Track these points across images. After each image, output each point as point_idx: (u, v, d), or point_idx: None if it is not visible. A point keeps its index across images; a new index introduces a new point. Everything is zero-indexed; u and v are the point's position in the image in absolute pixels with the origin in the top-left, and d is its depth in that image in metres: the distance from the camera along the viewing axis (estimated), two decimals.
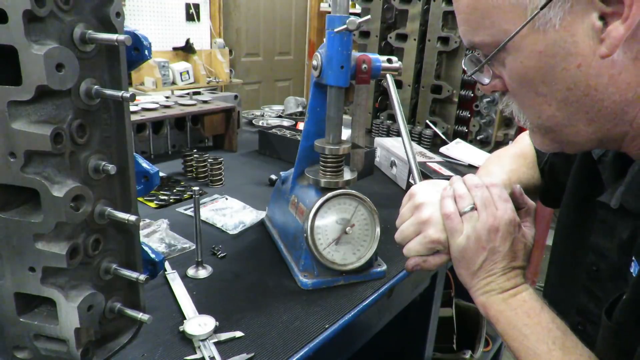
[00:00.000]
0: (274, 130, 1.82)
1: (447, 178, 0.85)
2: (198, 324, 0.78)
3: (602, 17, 0.53)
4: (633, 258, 0.61)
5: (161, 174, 1.49)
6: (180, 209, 1.27)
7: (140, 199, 1.01)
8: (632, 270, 0.61)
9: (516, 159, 1.01)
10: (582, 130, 0.62)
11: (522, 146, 1.04)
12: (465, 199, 0.74)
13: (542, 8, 0.54)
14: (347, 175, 0.96)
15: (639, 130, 0.59)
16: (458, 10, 0.64)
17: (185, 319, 0.80)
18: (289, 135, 1.75)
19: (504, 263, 0.71)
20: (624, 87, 0.56)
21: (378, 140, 1.76)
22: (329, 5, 4.60)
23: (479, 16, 0.60)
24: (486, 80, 0.67)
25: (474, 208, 0.73)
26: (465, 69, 0.70)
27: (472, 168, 1.73)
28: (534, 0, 0.54)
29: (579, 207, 0.82)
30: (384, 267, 0.99)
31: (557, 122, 0.62)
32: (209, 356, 0.73)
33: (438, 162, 1.58)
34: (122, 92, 0.61)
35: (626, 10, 0.51)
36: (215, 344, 0.75)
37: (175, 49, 4.31)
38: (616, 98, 0.57)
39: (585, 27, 0.54)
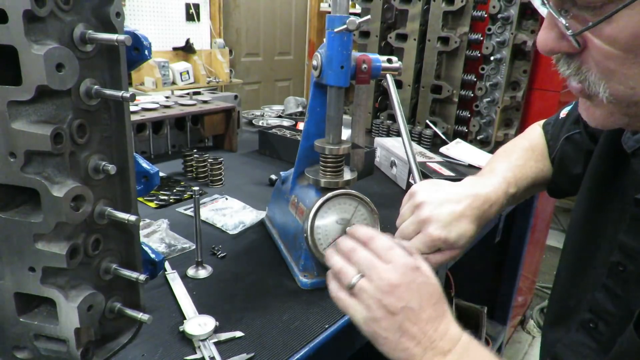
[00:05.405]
0: (274, 130, 1.82)
1: (447, 178, 0.85)
2: (198, 324, 0.78)
3: None
4: None
5: (161, 174, 1.49)
6: (180, 209, 1.27)
7: (140, 199, 1.01)
8: None
9: (525, 152, 0.99)
10: None
11: (532, 138, 1.02)
12: (346, 272, 0.66)
13: None
14: (347, 175, 0.96)
15: None
16: None
17: (185, 319, 0.80)
18: (289, 135, 1.75)
19: (426, 314, 0.61)
20: None
21: (378, 140, 1.76)
22: (329, 5, 4.60)
23: None
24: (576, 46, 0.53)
25: (362, 276, 0.64)
26: (562, 26, 0.54)
27: (472, 168, 1.73)
28: None
29: (601, 203, 0.77)
30: None
31: None
32: (209, 356, 0.73)
33: (438, 162, 1.58)
34: (122, 92, 0.61)
35: None
36: (215, 344, 0.75)
37: (175, 49, 4.32)
38: None
39: None
